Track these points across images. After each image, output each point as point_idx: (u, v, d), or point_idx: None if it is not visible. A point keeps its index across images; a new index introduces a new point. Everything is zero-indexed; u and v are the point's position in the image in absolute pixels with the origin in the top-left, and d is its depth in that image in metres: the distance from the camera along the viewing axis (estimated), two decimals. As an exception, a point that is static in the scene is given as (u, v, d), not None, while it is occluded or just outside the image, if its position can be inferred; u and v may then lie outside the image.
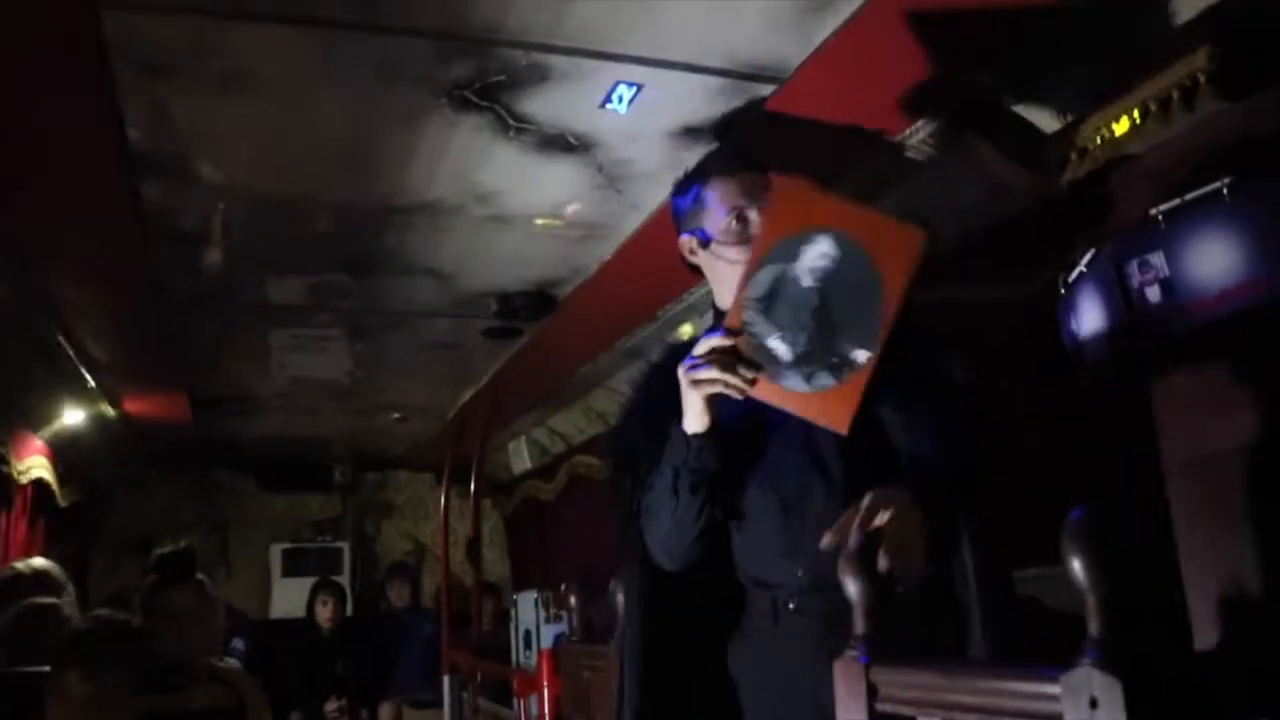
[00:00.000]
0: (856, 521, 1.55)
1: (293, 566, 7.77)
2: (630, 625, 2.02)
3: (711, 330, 1.80)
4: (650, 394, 2.08)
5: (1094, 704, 1.18)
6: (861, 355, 1.64)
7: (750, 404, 1.78)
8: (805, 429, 1.81)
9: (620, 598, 2.80)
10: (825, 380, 1.67)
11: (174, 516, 7.63)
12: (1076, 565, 1.22)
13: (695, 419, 1.78)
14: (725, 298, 1.95)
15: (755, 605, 1.90)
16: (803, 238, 1.69)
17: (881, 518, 1.55)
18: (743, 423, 1.86)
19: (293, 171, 2.93)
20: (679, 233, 2.04)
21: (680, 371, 1.76)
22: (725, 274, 1.93)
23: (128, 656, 2.76)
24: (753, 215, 1.92)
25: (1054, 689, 1.24)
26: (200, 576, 3.34)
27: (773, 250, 1.71)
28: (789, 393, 1.71)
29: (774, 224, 1.73)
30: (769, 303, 1.72)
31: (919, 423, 1.77)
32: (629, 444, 2.05)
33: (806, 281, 1.69)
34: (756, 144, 2.41)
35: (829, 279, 1.67)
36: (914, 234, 1.58)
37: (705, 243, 1.96)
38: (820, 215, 1.69)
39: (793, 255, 1.70)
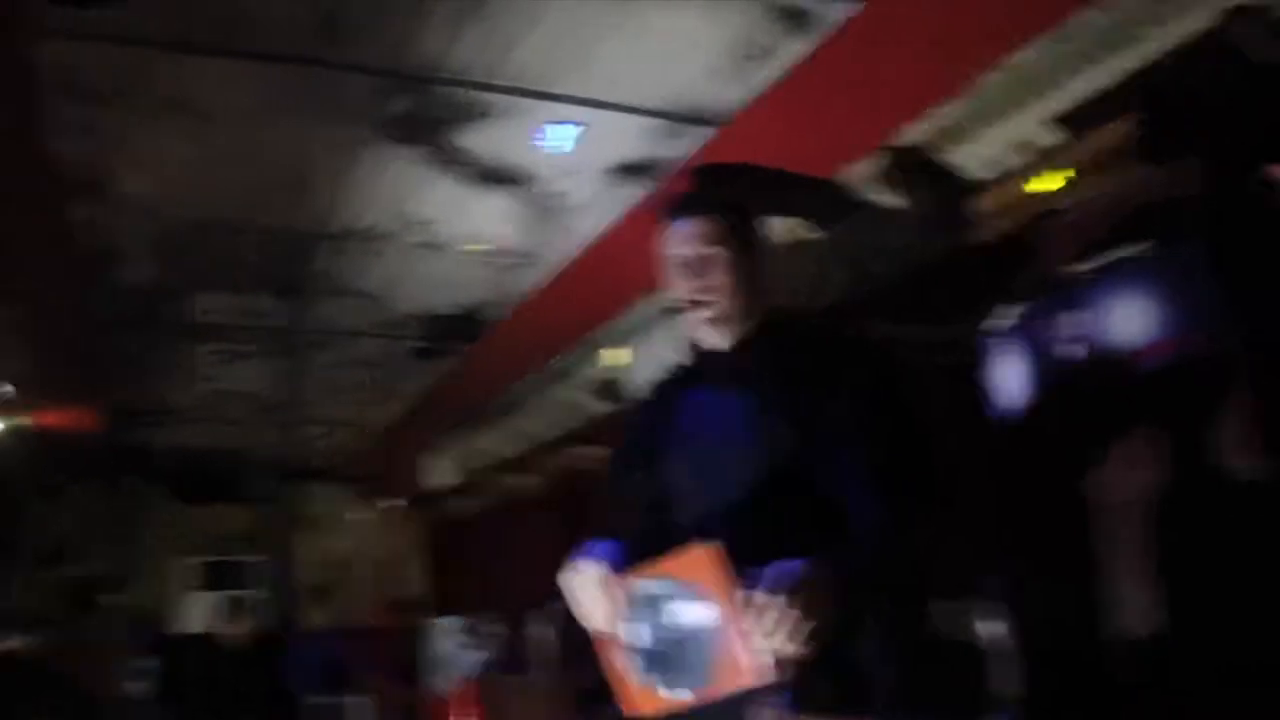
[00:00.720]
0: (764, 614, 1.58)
1: (206, 579, 7.62)
2: None
3: None
4: (636, 427, 2.14)
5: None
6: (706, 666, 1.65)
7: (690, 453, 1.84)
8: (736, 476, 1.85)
9: (544, 630, 2.82)
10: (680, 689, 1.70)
11: (86, 529, 7.43)
12: (988, 627, 1.27)
13: None
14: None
15: None
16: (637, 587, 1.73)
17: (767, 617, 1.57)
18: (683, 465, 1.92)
19: (225, 196, 2.91)
20: None
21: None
22: None
23: (34, 694, 2.71)
24: (690, 260, 1.95)
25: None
26: (110, 600, 3.26)
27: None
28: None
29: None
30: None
31: (846, 486, 1.80)
32: (617, 488, 2.09)
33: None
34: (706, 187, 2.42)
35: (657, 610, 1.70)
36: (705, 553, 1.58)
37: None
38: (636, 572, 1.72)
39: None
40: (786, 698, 1.63)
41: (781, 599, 1.54)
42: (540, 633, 2.75)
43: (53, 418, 5.50)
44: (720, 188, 2.48)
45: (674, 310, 2.05)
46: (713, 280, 2.06)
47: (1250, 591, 1.83)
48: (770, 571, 1.59)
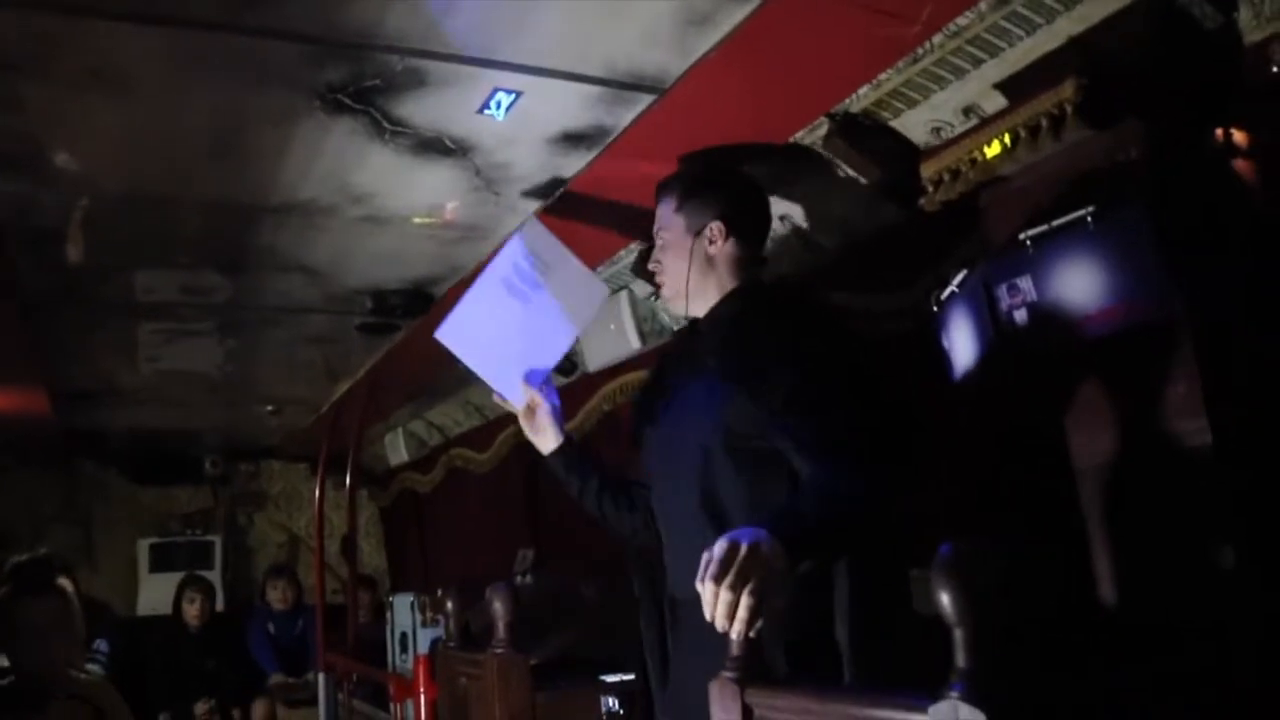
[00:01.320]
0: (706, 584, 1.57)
1: (160, 561, 7.51)
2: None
3: None
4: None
5: (957, 734, 1.22)
6: None
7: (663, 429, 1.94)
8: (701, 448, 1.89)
9: (498, 606, 2.79)
10: None
11: (35, 511, 7.32)
12: (945, 600, 1.25)
13: None
14: None
15: (691, 617, 1.90)
16: None
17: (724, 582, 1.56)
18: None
19: (159, 169, 2.82)
20: None
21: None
22: None
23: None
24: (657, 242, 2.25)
25: (922, 718, 1.27)
26: (61, 582, 3.21)
27: None
28: None
29: None
30: None
31: (807, 450, 1.80)
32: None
33: None
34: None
35: None
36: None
37: None
38: None
39: None
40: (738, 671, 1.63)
41: (721, 553, 1.56)
42: (495, 608, 2.72)
43: (-7, 400, 5.40)
44: (685, 168, 2.50)
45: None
46: (662, 258, 2.18)
47: (1194, 557, 1.84)
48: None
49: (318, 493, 6.14)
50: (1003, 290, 2.02)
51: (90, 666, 4.66)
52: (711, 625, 1.83)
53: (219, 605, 6.89)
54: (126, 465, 7.71)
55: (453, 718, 3.25)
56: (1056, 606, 2.03)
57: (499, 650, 2.77)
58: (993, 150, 2.14)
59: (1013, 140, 2.10)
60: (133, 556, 7.54)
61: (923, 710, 1.27)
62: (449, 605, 3.42)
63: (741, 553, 1.55)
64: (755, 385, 1.88)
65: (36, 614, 2.79)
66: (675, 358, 2.22)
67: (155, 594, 7.19)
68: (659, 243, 2.22)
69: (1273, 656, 1.76)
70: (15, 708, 2.62)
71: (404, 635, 4.55)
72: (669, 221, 2.20)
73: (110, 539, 7.60)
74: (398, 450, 6.95)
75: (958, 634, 1.25)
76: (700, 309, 2.16)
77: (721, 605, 1.55)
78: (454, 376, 5.24)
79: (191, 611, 6.54)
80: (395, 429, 6.77)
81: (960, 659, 1.25)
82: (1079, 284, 1.95)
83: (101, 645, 6.08)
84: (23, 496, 7.31)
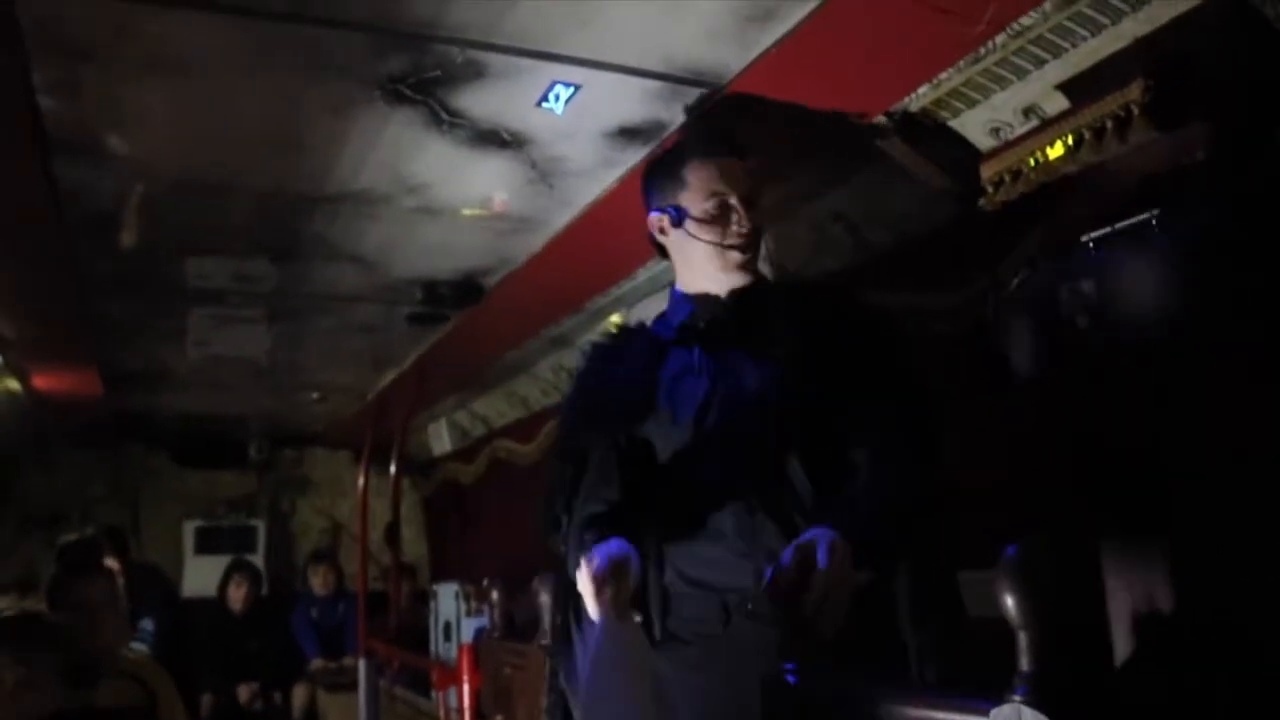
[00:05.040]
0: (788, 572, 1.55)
1: (205, 544, 7.62)
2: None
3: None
4: (593, 386, 2.08)
5: (1021, 739, 1.21)
6: None
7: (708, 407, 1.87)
8: (763, 432, 1.83)
9: (545, 598, 2.80)
10: None
11: (84, 492, 7.44)
12: (1009, 602, 1.24)
13: None
14: (689, 278, 2.03)
15: (694, 609, 1.86)
16: None
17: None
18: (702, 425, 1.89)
19: (216, 156, 2.86)
20: (649, 209, 2.07)
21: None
22: (695, 255, 1.99)
23: (47, 649, 2.69)
24: (732, 201, 1.96)
25: (982, 720, 1.27)
26: (109, 562, 3.26)
27: None
28: None
29: None
30: None
31: (872, 442, 1.79)
32: (579, 444, 2.03)
33: None
34: (738, 128, 2.32)
35: None
36: None
37: (678, 222, 1.99)
38: None
39: None
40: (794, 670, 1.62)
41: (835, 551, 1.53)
42: (541, 600, 2.73)
43: (48, 382, 5.48)
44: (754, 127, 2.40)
45: (712, 251, 1.98)
46: (755, 223, 2.00)
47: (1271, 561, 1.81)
48: (814, 546, 1.56)
49: (361, 480, 6.18)
50: (1066, 293, 1.99)
51: (136, 645, 4.73)
52: (710, 617, 1.82)
53: (263, 590, 6.97)
54: (174, 448, 7.83)
55: (496, 707, 3.28)
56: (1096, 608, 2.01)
57: (544, 642, 2.78)
58: (1056, 151, 2.12)
59: (1076, 141, 2.08)
60: (178, 538, 7.65)
61: (984, 713, 1.27)
62: (494, 595, 3.45)
63: (844, 554, 1.55)
64: (825, 372, 1.85)
65: (88, 594, 2.84)
66: (711, 342, 2.03)
67: (200, 576, 7.30)
68: (753, 203, 2.08)
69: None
70: (70, 682, 2.66)
71: (447, 624, 4.57)
72: (760, 181, 2.08)
73: (156, 520, 7.72)
74: (441, 440, 6.99)
75: (1022, 636, 1.24)
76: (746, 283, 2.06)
77: (834, 607, 1.52)
78: (500, 368, 5.28)
79: (237, 596, 6.63)
80: (439, 419, 6.81)
81: (1024, 661, 1.25)
82: (1144, 288, 1.92)
83: (148, 624, 6.16)
84: (73, 477, 7.44)
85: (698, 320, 2.01)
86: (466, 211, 3.23)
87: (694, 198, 1.98)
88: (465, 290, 3.94)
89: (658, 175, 2.07)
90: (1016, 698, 1.23)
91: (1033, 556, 1.25)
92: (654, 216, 2.05)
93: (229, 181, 3.05)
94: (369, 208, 3.20)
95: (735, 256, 1.98)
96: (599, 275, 3.73)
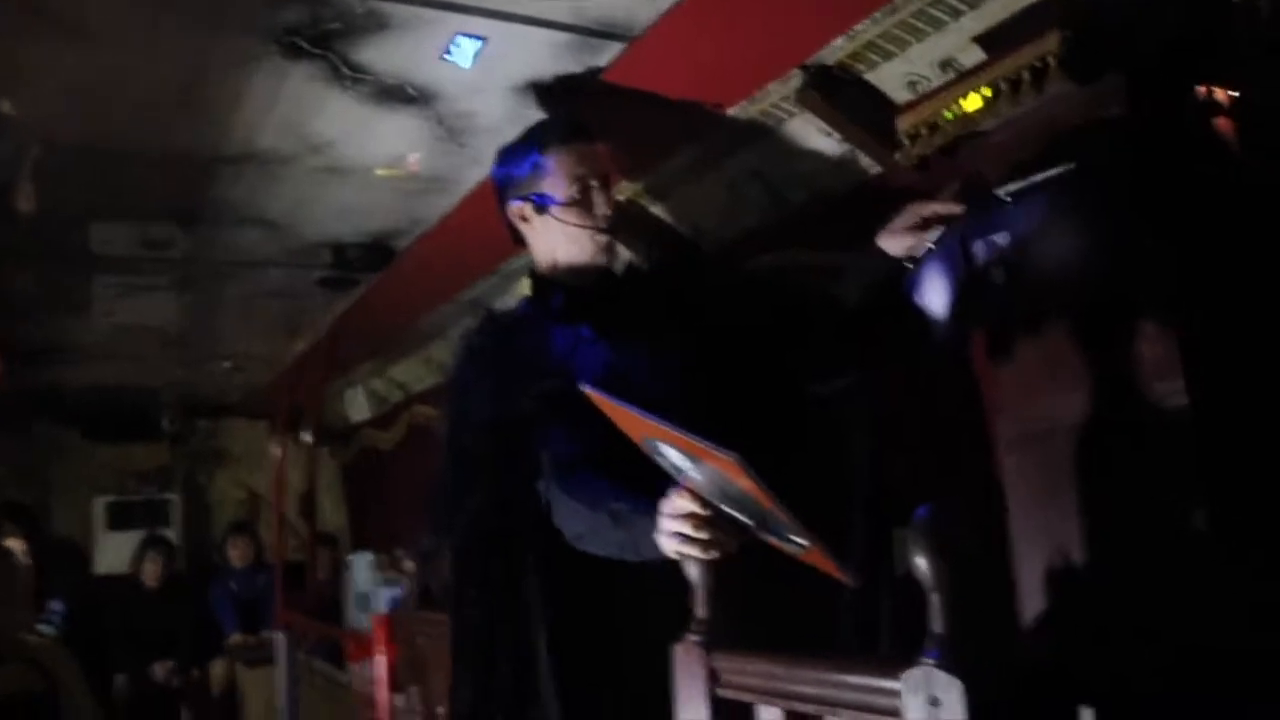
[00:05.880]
0: None
1: (118, 520, 7.41)
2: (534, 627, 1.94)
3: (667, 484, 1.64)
4: (493, 360, 2.04)
5: (934, 703, 1.18)
6: (802, 539, 1.46)
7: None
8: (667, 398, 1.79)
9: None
10: (794, 547, 1.52)
11: (-7, 472, 7.20)
12: (921, 564, 1.21)
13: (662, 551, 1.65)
14: (554, 263, 2.08)
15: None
16: (651, 442, 1.54)
17: None
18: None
19: (114, 117, 2.74)
20: (505, 200, 2.13)
21: (662, 537, 1.61)
22: (560, 239, 2.05)
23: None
24: (593, 184, 2.03)
25: (894, 685, 1.23)
26: (9, 542, 3.13)
27: (645, 447, 1.59)
28: (781, 546, 1.55)
29: (623, 427, 1.60)
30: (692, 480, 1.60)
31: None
32: (492, 414, 1.97)
33: (695, 476, 1.52)
34: (593, 115, 2.34)
35: (709, 478, 1.50)
36: (729, 461, 1.35)
37: (543, 208, 2.04)
38: (645, 429, 1.51)
39: (660, 454, 1.54)
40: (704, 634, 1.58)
41: None
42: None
43: (-54, 359, 5.27)
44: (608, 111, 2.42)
45: (579, 234, 2.04)
46: (614, 204, 2.07)
47: (1167, 520, 1.81)
48: None
49: (277, 449, 6.06)
50: (980, 246, 1.97)
51: (43, 627, 4.59)
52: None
53: (179, 563, 6.82)
54: (83, 422, 7.58)
55: (411, 678, 3.22)
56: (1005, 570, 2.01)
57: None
58: (972, 103, 2.09)
59: (993, 93, 2.05)
60: (89, 515, 7.44)
61: (895, 677, 1.23)
62: (409, 565, 3.38)
63: None
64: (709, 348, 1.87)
65: None
66: (573, 315, 2.03)
67: (112, 553, 7.11)
68: (611, 183, 2.13)
69: (1240, 620, 1.73)
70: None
71: (363, 594, 4.50)
72: (613, 161, 2.17)
73: (67, 498, 7.49)
74: (359, 407, 6.87)
75: (934, 599, 1.20)
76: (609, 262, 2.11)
77: None
78: (416, 333, 5.18)
79: (152, 572, 6.47)
80: (356, 385, 6.69)
81: (936, 624, 1.21)
82: (1058, 240, 1.91)
83: (57, 606, 5.98)
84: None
85: (578, 299, 2.03)
86: (375, 171, 3.14)
87: (557, 183, 2.03)
88: (375, 253, 3.85)
89: (514, 164, 2.11)
90: (928, 661, 1.19)
91: (945, 517, 1.21)
92: (515, 206, 2.10)
93: (128, 143, 2.93)
94: (273, 168, 3.09)
95: (601, 239, 2.04)
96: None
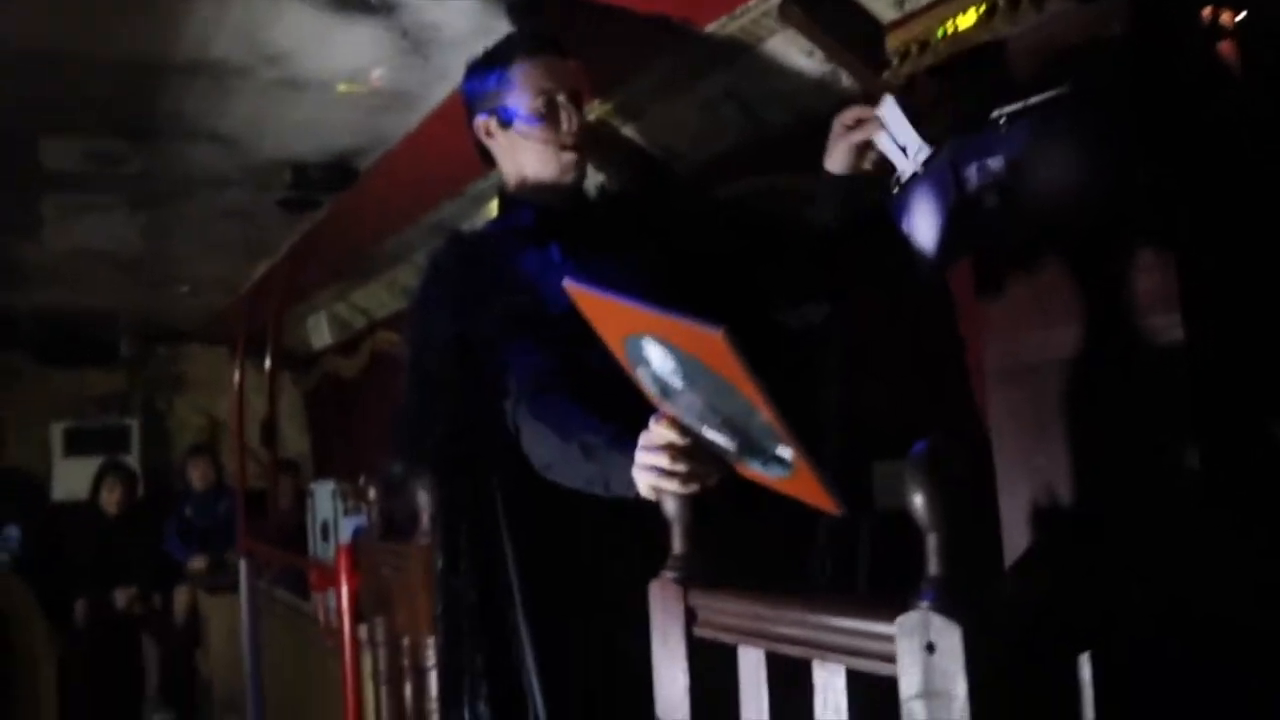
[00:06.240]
0: None
1: (75, 446, 7.31)
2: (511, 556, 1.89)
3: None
4: (456, 281, 1.99)
5: (930, 648, 1.12)
6: (786, 452, 1.37)
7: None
8: None
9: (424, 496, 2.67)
10: (777, 470, 1.43)
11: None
12: (919, 501, 1.14)
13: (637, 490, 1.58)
14: (520, 181, 2.04)
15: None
16: (633, 342, 1.43)
17: None
18: None
19: (60, 21, 2.60)
20: (472, 114, 2.09)
21: (638, 472, 1.54)
22: (527, 156, 2.00)
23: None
24: (560, 99, 1.98)
25: (888, 629, 1.17)
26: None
27: (627, 353, 1.48)
28: (763, 475, 1.47)
29: (604, 330, 1.49)
30: (672, 400, 1.50)
31: None
32: (451, 333, 1.92)
33: (677, 384, 1.43)
34: (560, 28, 2.25)
35: (691, 381, 1.40)
36: (715, 338, 1.24)
37: (507, 123, 1.99)
38: (628, 322, 1.42)
39: (642, 359, 1.44)
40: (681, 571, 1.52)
41: None
42: (420, 498, 2.60)
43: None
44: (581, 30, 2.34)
45: (544, 150, 1.98)
46: (583, 121, 2.00)
47: (1159, 457, 1.76)
48: None
49: (237, 375, 5.94)
50: (972, 171, 1.88)
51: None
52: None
53: (139, 491, 6.73)
54: (37, 348, 7.42)
55: (375, 609, 3.15)
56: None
57: (423, 541, 2.67)
58: (967, 20, 1.99)
59: (989, 10, 1.94)
60: (46, 441, 7.30)
61: (889, 620, 1.17)
62: (371, 494, 3.30)
63: None
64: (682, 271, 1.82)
65: None
66: (566, 237, 1.96)
67: (70, 479, 7.01)
68: (581, 100, 2.07)
69: (1229, 558, 1.69)
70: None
71: (325, 523, 4.42)
72: (586, 77, 2.13)
73: (21, 424, 7.35)
74: (321, 333, 6.76)
75: (932, 538, 1.14)
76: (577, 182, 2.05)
77: None
78: (379, 256, 5.06)
79: (111, 499, 6.39)
80: (318, 311, 6.57)
81: (933, 565, 1.14)
82: (1054, 166, 1.82)
83: (12, 531, 5.89)
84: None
85: (541, 220, 1.98)
86: (335, 86, 3.01)
87: (522, 97, 1.98)
88: (336, 173, 3.72)
89: (480, 78, 2.07)
90: (924, 604, 1.13)
91: (944, 452, 1.14)
92: (480, 120, 2.06)
93: (74, 50, 2.80)
94: (227, 80, 2.96)
95: (568, 156, 1.99)
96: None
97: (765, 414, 1.32)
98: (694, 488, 1.50)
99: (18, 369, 7.40)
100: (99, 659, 6.01)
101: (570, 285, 1.46)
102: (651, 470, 1.51)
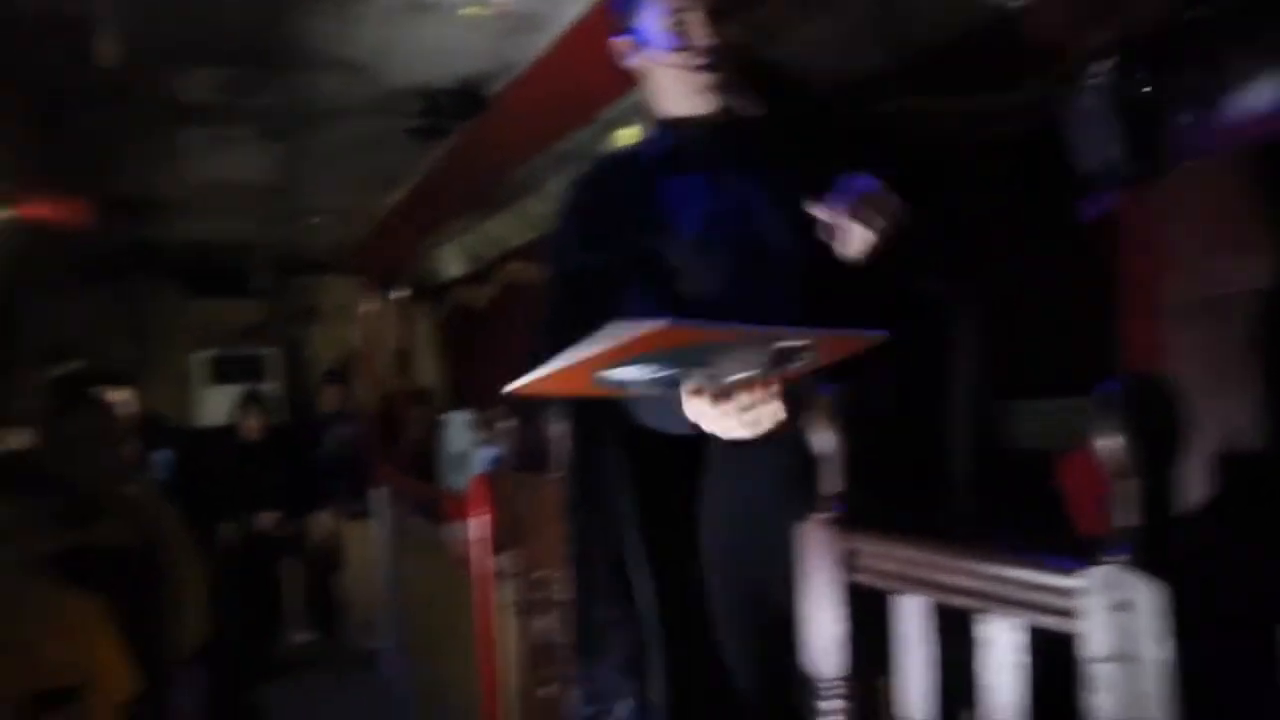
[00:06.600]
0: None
1: (218, 375, 7.54)
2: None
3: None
4: (591, 209, 1.95)
5: (1123, 606, 1.01)
6: (804, 340, 1.38)
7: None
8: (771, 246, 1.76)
9: (561, 434, 2.63)
10: (807, 359, 1.45)
11: (90, 325, 7.30)
12: (1110, 444, 1.03)
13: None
14: (664, 104, 1.93)
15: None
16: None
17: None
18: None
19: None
20: (617, 34, 1.97)
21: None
22: (665, 79, 1.90)
23: (35, 488, 2.55)
24: (690, 18, 1.85)
25: (1072, 583, 1.07)
26: (101, 393, 3.09)
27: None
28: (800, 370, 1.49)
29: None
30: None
31: None
32: (576, 265, 1.89)
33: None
34: None
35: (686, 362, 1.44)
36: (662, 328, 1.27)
37: (642, 44, 1.90)
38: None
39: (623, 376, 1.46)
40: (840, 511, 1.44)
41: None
42: (553, 429, 2.56)
43: (39, 210, 5.26)
44: None
45: (679, 73, 1.88)
46: (727, 39, 1.86)
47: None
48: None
49: (371, 306, 6.02)
50: (1158, 83, 1.72)
51: (146, 477, 4.65)
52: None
53: (277, 417, 6.91)
54: (180, 279, 7.65)
55: (510, 540, 3.15)
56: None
57: (556, 474, 2.63)
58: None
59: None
60: (186, 370, 7.55)
61: (1075, 575, 1.07)
62: (508, 425, 3.29)
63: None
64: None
65: (76, 427, 2.69)
66: (703, 164, 1.89)
67: (214, 406, 7.23)
68: (724, 18, 1.97)
69: None
70: (61, 525, 2.52)
71: (460, 454, 4.45)
72: None
73: (165, 353, 7.60)
74: (452, 263, 6.78)
75: (1126, 486, 1.02)
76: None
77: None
78: (508, 186, 5.02)
79: (251, 426, 6.55)
80: (450, 241, 6.58)
81: (1128, 516, 1.03)
82: (1256, 77, 1.64)
83: (164, 456, 6.09)
84: (77, 313, 7.28)
85: (683, 146, 1.90)
86: (462, 9, 2.94)
87: (655, 17, 1.88)
88: (465, 100, 3.68)
89: None
90: (1119, 558, 1.02)
91: (1144, 392, 1.02)
92: (619, 40, 1.95)
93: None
94: (350, 6, 2.91)
95: (704, 77, 1.87)
96: (609, 81, 3.43)
97: (760, 337, 1.36)
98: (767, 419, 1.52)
99: (163, 301, 7.64)
100: (243, 582, 6.21)
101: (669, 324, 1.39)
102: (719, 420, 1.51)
